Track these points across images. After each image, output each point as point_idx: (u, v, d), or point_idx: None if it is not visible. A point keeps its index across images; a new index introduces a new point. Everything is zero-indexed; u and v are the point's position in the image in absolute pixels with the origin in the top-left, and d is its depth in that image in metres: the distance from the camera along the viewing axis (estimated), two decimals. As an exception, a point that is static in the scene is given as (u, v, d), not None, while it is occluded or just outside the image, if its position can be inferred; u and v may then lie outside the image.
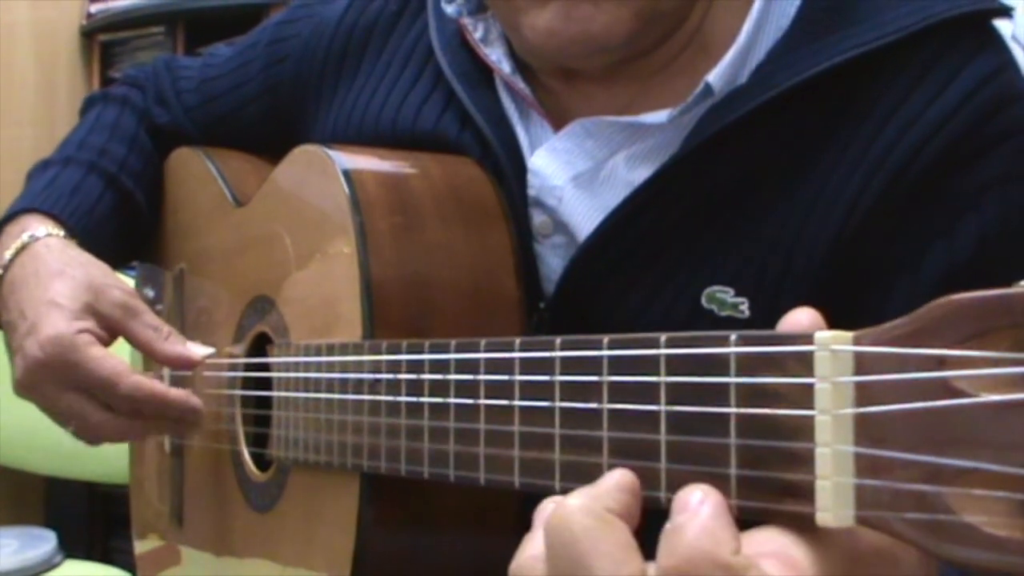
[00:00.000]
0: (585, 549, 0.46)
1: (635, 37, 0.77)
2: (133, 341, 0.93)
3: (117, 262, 1.06)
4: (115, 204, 1.07)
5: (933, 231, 0.75)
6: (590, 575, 0.45)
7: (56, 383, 0.89)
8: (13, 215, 1.01)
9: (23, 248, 0.96)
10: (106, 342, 0.91)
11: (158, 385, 0.90)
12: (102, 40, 2.66)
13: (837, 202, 0.75)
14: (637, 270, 0.79)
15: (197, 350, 0.92)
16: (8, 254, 0.96)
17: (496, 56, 0.86)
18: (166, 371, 1.05)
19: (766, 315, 0.76)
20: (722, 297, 0.77)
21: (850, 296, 0.75)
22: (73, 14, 2.66)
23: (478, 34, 0.87)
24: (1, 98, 2.47)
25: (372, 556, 0.75)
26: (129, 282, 1.07)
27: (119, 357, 0.90)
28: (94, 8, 2.64)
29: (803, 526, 0.45)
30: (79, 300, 0.90)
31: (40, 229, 0.98)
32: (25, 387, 0.91)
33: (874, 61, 0.75)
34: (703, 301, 0.77)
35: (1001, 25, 0.79)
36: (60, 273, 0.92)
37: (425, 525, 0.77)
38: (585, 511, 0.47)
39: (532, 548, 0.49)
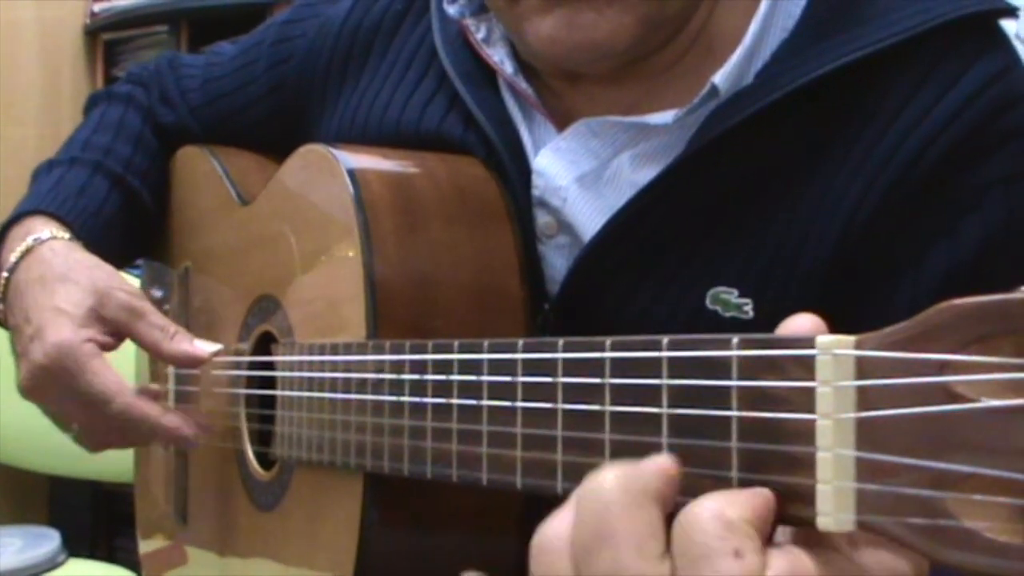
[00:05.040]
0: (612, 523, 0.45)
1: (639, 42, 0.77)
2: (140, 343, 0.93)
3: (124, 262, 1.05)
4: (121, 204, 1.07)
5: (936, 231, 0.75)
6: (611, 550, 0.45)
7: (59, 389, 0.90)
8: (18, 217, 1.01)
9: (28, 251, 0.96)
10: (112, 346, 0.91)
11: (149, 409, 0.90)
12: (106, 39, 2.66)
13: (842, 202, 0.75)
14: (642, 271, 0.79)
15: (205, 347, 0.91)
16: (13, 257, 0.96)
17: (499, 57, 0.86)
18: (171, 369, 1.05)
19: (770, 316, 0.75)
20: (726, 298, 0.77)
21: (854, 296, 0.75)
22: (77, 13, 2.66)
23: (480, 35, 0.87)
24: (5, 97, 2.47)
25: (375, 555, 0.75)
26: (134, 282, 1.08)
27: (117, 374, 0.90)
28: (98, 7, 2.64)
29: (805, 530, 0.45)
30: (84, 306, 0.90)
31: (44, 231, 0.97)
32: (29, 391, 0.92)
33: (879, 62, 0.75)
34: (707, 302, 0.77)
35: (1007, 25, 0.79)
36: (64, 278, 0.92)
37: (428, 525, 0.77)
38: (622, 487, 0.46)
39: (561, 518, 0.48)
